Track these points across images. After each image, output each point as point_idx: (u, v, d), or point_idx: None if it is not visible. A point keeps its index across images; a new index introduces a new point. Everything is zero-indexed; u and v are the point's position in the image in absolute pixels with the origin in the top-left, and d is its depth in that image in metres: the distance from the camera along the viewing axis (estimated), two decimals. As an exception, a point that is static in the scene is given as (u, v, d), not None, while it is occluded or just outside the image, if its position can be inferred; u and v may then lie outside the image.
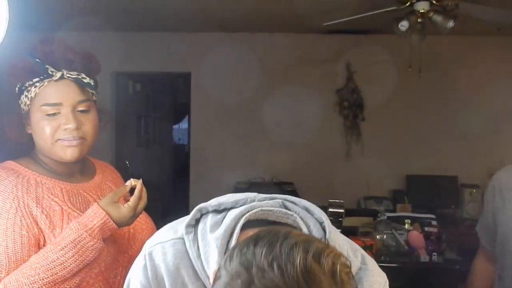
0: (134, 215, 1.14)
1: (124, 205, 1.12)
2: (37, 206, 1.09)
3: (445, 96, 3.95)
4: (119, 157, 3.99)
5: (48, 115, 1.13)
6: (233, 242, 0.75)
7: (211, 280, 0.69)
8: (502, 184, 1.38)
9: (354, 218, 2.76)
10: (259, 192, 0.85)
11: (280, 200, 0.82)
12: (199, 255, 0.79)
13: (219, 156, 4.11)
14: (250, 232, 0.75)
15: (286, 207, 0.81)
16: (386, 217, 2.72)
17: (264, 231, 0.65)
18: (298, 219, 0.78)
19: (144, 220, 1.28)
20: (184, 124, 7.22)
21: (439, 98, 3.97)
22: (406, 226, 2.63)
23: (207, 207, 0.83)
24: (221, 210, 0.82)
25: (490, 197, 1.41)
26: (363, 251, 0.86)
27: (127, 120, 4.25)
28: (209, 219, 0.81)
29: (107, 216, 1.08)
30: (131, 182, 1.20)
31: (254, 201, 0.81)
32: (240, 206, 0.81)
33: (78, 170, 1.23)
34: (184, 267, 0.81)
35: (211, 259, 0.77)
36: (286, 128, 4.02)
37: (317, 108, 4.04)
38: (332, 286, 0.58)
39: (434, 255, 2.32)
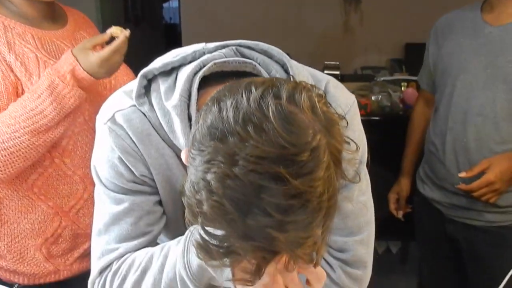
0: (106, 66, 1.05)
1: (94, 53, 1.04)
2: (9, 52, 1.02)
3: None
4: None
5: None
6: (193, 106, 0.68)
7: (184, 160, 0.62)
8: (442, 25, 1.54)
9: (351, 83, 2.70)
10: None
11: (233, 47, 0.72)
12: (161, 125, 0.73)
13: (212, 34, 3.92)
14: (209, 90, 0.68)
15: (242, 54, 0.72)
16: (382, 79, 2.67)
17: (222, 91, 0.57)
18: (258, 66, 0.70)
19: (125, 72, 1.24)
20: (174, 3, 6.88)
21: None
22: (402, 88, 2.58)
23: (152, 70, 0.73)
24: (170, 71, 0.73)
25: (432, 40, 1.56)
26: (328, 78, 0.80)
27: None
28: (160, 85, 0.72)
29: (76, 62, 1.02)
30: (112, 30, 1.08)
31: (203, 53, 0.72)
32: (190, 62, 0.71)
33: (49, 16, 1.13)
34: (153, 135, 0.74)
35: (176, 128, 0.71)
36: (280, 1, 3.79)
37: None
38: (315, 122, 0.52)
39: (429, 111, 2.30)
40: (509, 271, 1.21)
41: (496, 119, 1.35)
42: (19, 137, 0.97)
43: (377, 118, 2.28)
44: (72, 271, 1.13)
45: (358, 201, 0.80)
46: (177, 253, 0.70)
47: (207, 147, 0.52)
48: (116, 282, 0.76)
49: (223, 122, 0.52)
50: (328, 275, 0.78)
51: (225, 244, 0.53)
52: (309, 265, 0.57)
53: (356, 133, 0.81)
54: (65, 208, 1.09)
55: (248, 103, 0.52)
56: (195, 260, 0.67)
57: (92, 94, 1.11)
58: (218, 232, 0.53)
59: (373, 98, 2.38)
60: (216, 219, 0.51)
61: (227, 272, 0.64)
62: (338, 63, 2.48)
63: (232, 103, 0.53)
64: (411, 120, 1.75)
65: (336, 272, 0.81)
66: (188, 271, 0.68)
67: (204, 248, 0.55)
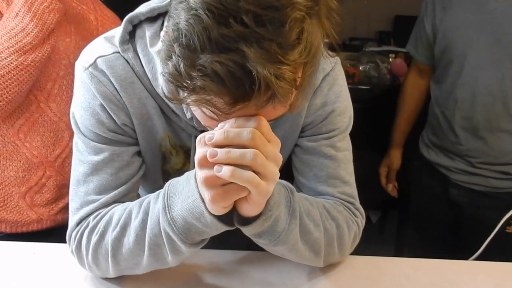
0: None
1: None
2: None
3: None
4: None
5: None
6: None
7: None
8: None
9: (339, 54, 2.69)
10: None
11: None
12: (144, 73, 0.72)
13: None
14: None
15: None
16: (370, 50, 2.67)
17: None
18: None
19: (113, 20, 1.23)
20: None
21: None
22: (390, 59, 2.59)
23: (138, 15, 0.72)
24: (156, 17, 0.72)
25: (430, 11, 1.48)
26: None
27: None
28: (146, 31, 0.72)
29: None
30: None
31: None
32: None
33: None
34: (136, 83, 0.73)
35: (159, 76, 0.70)
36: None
37: None
38: None
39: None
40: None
41: (505, 99, 1.35)
42: (5, 58, 0.94)
43: (364, 87, 2.28)
44: (56, 221, 1.13)
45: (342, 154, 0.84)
46: (159, 209, 0.68)
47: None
48: (94, 238, 0.74)
49: None
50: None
51: (198, 72, 0.52)
52: (284, 105, 0.56)
53: (342, 87, 0.82)
54: (50, 158, 1.08)
55: None
56: (179, 216, 0.66)
57: (77, 36, 1.09)
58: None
59: (360, 68, 2.38)
60: (192, 31, 0.51)
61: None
62: (327, 31, 2.45)
63: None
64: (403, 91, 1.71)
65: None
66: (173, 226, 0.66)
67: (175, 78, 0.55)
